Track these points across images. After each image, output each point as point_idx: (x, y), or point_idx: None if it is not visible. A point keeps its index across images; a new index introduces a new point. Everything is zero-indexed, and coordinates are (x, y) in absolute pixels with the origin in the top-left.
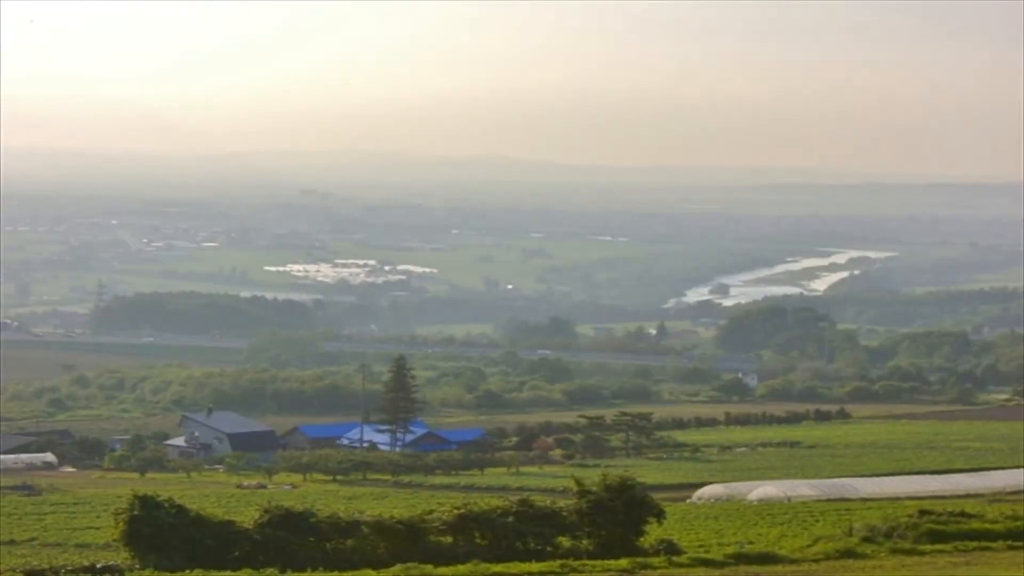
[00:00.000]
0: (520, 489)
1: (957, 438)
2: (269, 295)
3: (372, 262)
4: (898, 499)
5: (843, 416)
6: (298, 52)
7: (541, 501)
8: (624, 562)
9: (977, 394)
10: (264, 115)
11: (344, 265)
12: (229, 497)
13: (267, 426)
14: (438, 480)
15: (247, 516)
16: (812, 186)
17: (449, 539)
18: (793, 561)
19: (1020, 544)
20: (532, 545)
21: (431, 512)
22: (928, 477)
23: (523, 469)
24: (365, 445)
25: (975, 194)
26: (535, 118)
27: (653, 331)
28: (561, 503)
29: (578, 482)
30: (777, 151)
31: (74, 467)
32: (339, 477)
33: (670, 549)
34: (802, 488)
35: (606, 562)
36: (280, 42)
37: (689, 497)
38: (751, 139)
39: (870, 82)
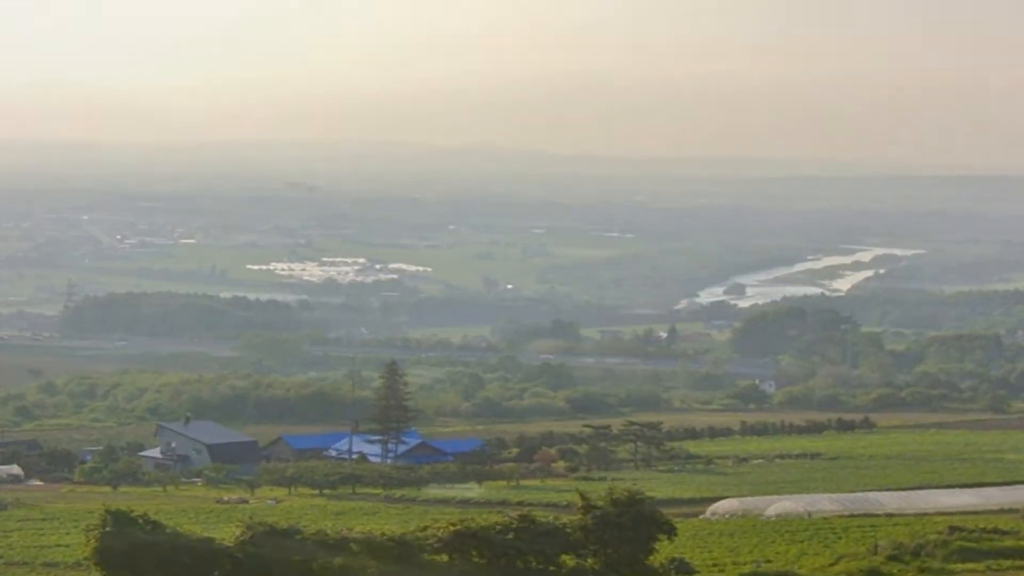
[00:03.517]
0: (520, 504)
1: (990, 449)
2: (251, 295)
3: (362, 260)
4: (926, 515)
5: (867, 425)
6: (283, 36)
7: (543, 517)
8: None
9: (1011, 402)
10: (246, 102)
11: (332, 263)
12: (208, 512)
13: (249, 436)
14: (432, 494)
15: (228, 533)
16: (834, 179)
17: (444, 557)
18: None
19: None
20: (534, 564)
21: (425, 529)
22: (959, 491)
23: (524, 482)
24: (354, 457)
25: (1009, 187)
26: (537, 106)
27: (663, 334)
28: (565, 519)
29: (583, 496)
30: (797, 141)
31: (42, 480)
32: (326, 491)
33: (682, 568)
34: (823, 503)
35: None
36: (264, 25)
37: (702, 512)
38: (769, 128)
39: (897, 68)
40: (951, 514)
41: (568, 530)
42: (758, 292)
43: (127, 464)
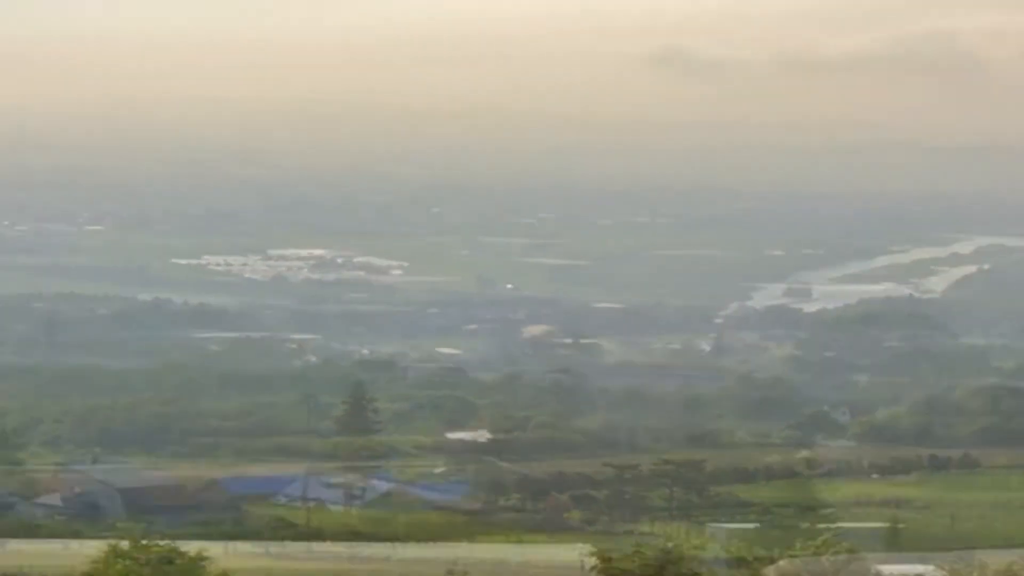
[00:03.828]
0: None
1: None
2: (178, 297)
3: (320, 252)
4: None
5: (968, 465)
6: None
7: None
8: None
9: None
10: (171, 49)
11: (281, 257)
12: None
13: (174, 478)
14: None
15: None
16: (925, 149)
17: None
18: None
19: None
20: None
21: None
22: None
23: (527, 537)
24: (310, 504)
25: None
26: (543, 55)
27: (707, 347)
28: None
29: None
30: (876, 101)
31: None
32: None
33: None
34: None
35: None
36: None
37: None
38: (839, 84)
39: (1001, 7)
40: None
41: None
42: (827, 293)
43: (19, 515)
